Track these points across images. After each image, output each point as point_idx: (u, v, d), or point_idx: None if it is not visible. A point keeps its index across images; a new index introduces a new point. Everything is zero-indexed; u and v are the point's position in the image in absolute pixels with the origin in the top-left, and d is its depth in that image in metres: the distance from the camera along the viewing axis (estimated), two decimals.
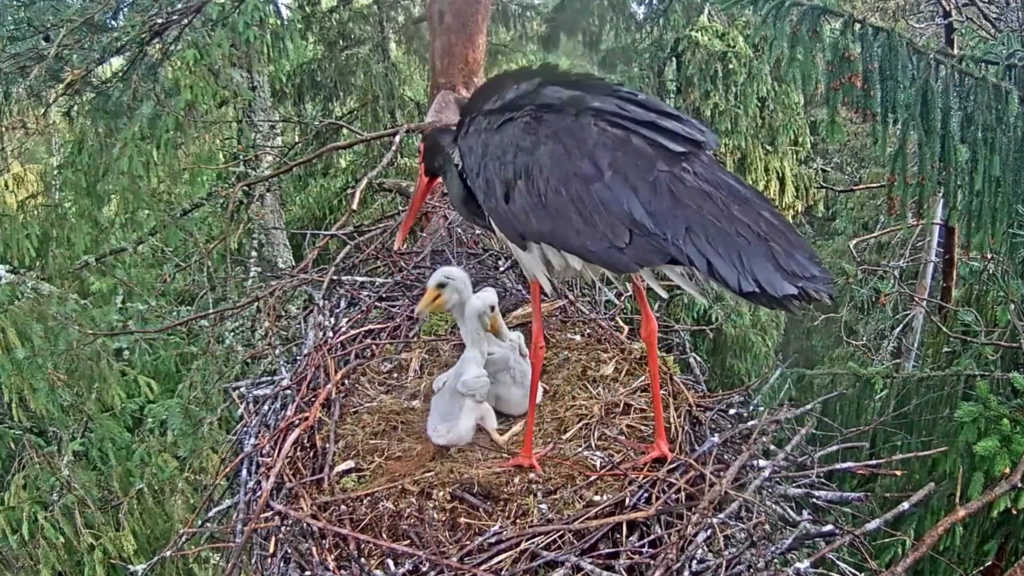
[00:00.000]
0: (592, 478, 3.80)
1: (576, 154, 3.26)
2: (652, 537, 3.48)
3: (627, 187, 3.12)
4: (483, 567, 3.36)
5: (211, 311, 7.84)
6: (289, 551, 3.71)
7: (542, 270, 3.69)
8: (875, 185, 14.96)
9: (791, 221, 13.40)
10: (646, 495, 3.65)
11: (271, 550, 3.80)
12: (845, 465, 4.22)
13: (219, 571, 5.64)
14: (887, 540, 5.52)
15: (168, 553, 4.57)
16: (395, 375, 4.98)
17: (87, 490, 7.78)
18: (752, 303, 3.02)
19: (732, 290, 2.87)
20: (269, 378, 5.38)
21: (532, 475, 3.84)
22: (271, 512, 3.84)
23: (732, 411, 4.49)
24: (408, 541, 3.54)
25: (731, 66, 12.19)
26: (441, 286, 4.45)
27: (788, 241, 2.94)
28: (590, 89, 3.48)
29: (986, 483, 5.67)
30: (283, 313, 6.63)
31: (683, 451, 3.99)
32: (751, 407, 4.61)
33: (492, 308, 4.52)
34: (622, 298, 5.76)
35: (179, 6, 9.30)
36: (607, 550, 3.43)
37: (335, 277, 5.84)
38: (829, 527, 3.60)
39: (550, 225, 3.33)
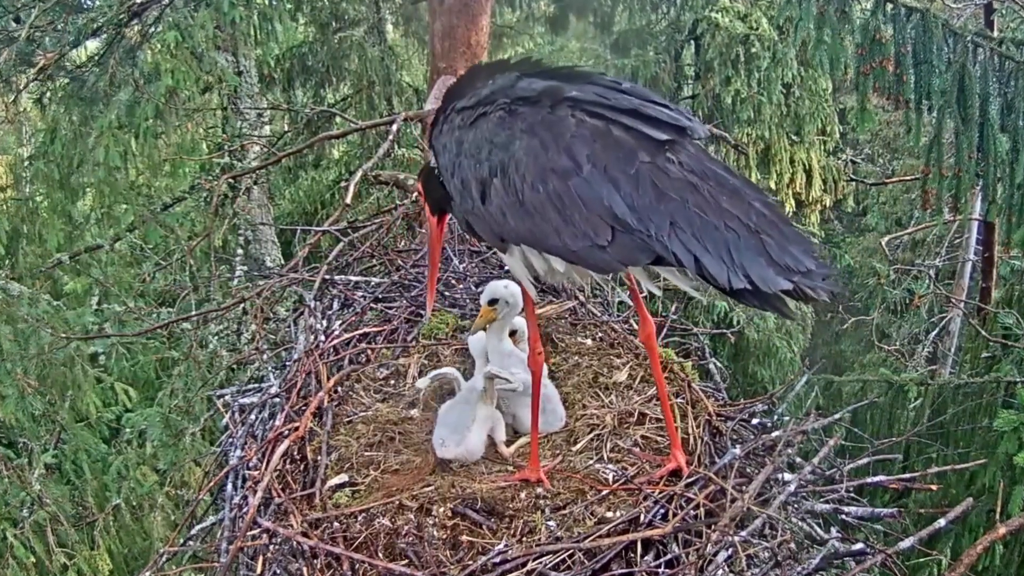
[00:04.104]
0: (604, 493, 3.80)
1: (553, 148, 3.25)
2: (669, 557, 3.48)
3: (607, 181, 3.11)
4: None
5: (194, 313, 7.82)
6: (278, 571, 3.72)
7: (525, 274, 3.69)
8: (909, 178, 14.93)
9: (818, 216, 13.47)
10: (662, 511, 3.65)
11: (259, 570, 3.80)
12: (876, 479, 4.21)
13: None
14: (922, 560, 5.54)
15: (147, 574, 4.56)
16: (392, 382, 4.99)
17: (60, 506, 7.78)
18: (741, 303, 3.00)
19: (721, 288, 2.86)
20: (256, 385, 5.39)
21: (539, 490, 3.84)
22: (259, 529, 3.85)
23: (755, 421, 4.49)
24: (406, 561, 3.54)
25: (754, 50, 12.20)
26: (493, 302, 4.51)
27: (782, 233, 2.94)
28: (567, 79, 3.49)
29: None
30: (271, 315, 6.64)
31: (702, 464, 3.98)
32: (775, 417, 4.60)
33: (514, 333, 4.57)
34: None
35: None
36: (620, 570, 3.43)
37: (327, 276, 5.85)
38: (859, 546, 3.59)
39: (528, 224, 3.33)
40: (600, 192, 3.10)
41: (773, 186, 12.93)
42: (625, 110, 3.23)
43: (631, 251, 3.05)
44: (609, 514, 3.67)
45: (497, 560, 3.44)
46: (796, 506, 3.95)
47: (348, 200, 6.86)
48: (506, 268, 5.96)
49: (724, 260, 2.86)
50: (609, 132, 3.21)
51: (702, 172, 3.09)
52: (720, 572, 3.37)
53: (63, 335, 7.70)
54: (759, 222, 2.95)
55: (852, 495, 4.09)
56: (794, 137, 12.91)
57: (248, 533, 3.84)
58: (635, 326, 5.41)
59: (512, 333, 4.66)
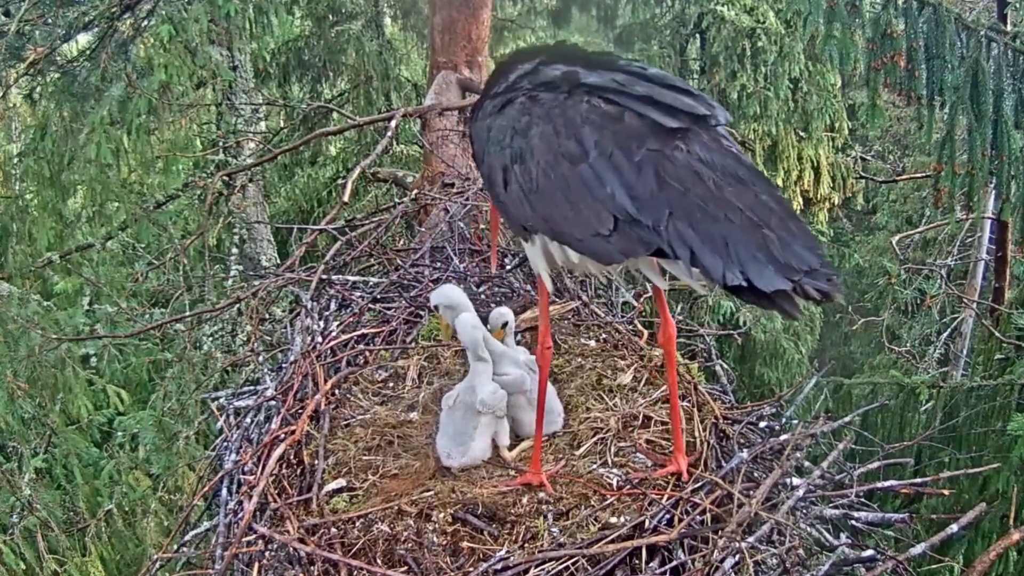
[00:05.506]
0: (609, 498, 3.80)
1: (564, 133, 3.28)
2: (675, 563, 3.48)
3: (611, 168, 3.11)
4: None
5: (188, 314, 7.83)
6: None
7: (544, 265, 3.70)
8: (920, 175, 14.93)
9: (827, 215, 13.47)
10: (668, 517, 3.64)
11: None
12: (887, 484, 4.22)
13: None
14: (934, 566, 5.52)
15: None
16: (391, 384, 4.99)
17: (50, 511, 7.76)
18: (740, 300, 2.96)
19: (717, 282, 2.80)
20: (252, 388, 5.40)
21: (542, 494, 3.84)
22: (254, 535, 3.85)
23: (762, 424, 4.49)
24: (405, 568, 3.54)
25: (760, 44, 12.17)
26: (436, 308, 4.53)
27: (786, 228, 2.87)
28: (591, 64, 3.51)
29: None
30: (267, 316, 6.63)
31: (709, 468, 3.98)
32: (783, 420, 4.60)
33: (504, 325, 4.54)
34: (641, 300, 5.76)
35: None
36: None
37: (324, 276, 5.85)
38: (870, 552, 3.60)
39: (542, 212, 3.35)
40: (604, 179, 3.10)
41: (780, 183, 12.90)
42: (639, 97, 3.23)
43: (632, 242, 3.02)
44: (613, 519, 3.67)
45: (499, 567, 3.44)
46: (805, 511, 3.95)
47: (346, 198, 6.87)
48: (508, 268, 6.00)
49: (720, 254, 2.80)
50: (621, 119, 3.21)
51: (710, 162, 3.05)
52: None
53: (53, 336, 7.68)
54: (764, 216, 2.89)
55: (862, 500, 4.09)
56: (802, 133, 12.89)
57: (243, 539, 3.84)
58: (639, 327, 5.42)
59: (503, 326, 4.60)
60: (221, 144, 11.50)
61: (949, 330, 14.25)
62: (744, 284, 2.74)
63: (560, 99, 3.39)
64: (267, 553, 3.81)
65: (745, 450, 4.08)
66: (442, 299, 4.46)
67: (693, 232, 2.88)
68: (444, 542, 3.64)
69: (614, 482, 3.92)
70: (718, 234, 2.85)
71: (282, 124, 13.77)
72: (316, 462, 4.22)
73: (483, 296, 5.67)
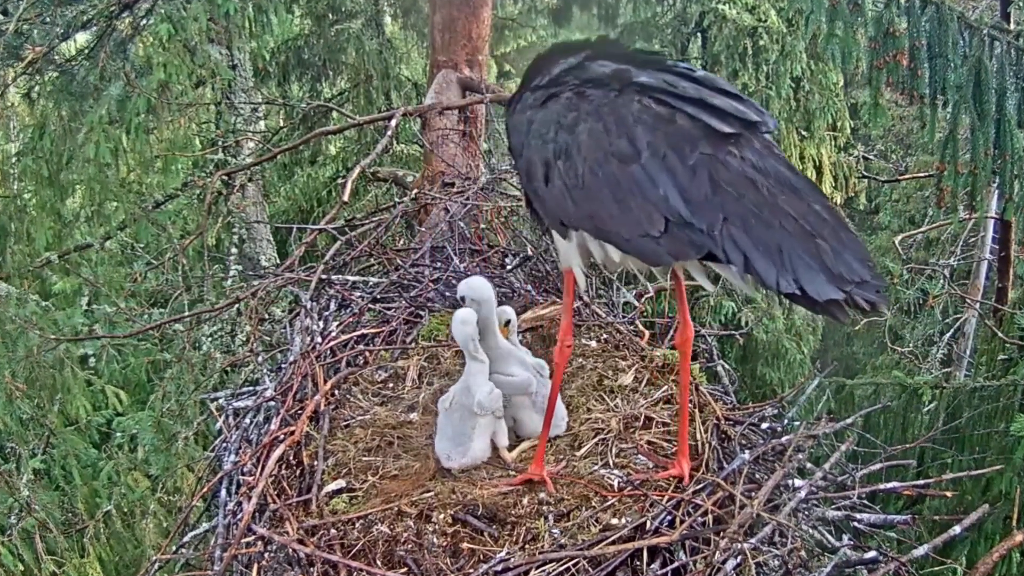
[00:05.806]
0: (610, 500, 3.79)
1: (615, 132, 3.28)
2: (676, 565, 3.48)
3: (664, 170, 3.12)
4: None
5: (187, 314, 7.82)
6: None
7: (579, 262, 3.71)
8: (923, 175, 14.91)
9: None
10: (669, 518, 3.64)
11: None
12: (890, 485, 4.21)
13: None
14: (936, 568, 5.51)
15: None
16: (391, 385, 4.99)
17: (49, 512, 7.75)
18: (793, 303, 2.98)
19: (770, 289, 2.84)
20: (251, 388, 5.40)
21: (543, 495, 3.84)
22: (253, 536, 3.85)
23: (764, 425, 4.49)
24: (405, 569, 3.55)
25: (762, 42, 12.17)
26: (463, 300, 4.47)
27: (839, 239, 2.91)
28: (640, 63, 3.50)
29: None
30: (266, 316, 6.63)
31: (710, 469, 3.98)
32: (785, 421, 4.61)
33: (507, 323, 4.52)
34: (642, 300, 5.75)
35: None
36: None
37: (324, 276, 5.85)
38: (872, 554, 3.60)
39: (587, 209, 3.36)
40: (656, 181, 3.11)
41: None
42: (691, 99, 3.24)
43: (682, 244, 3.04)
44: (614, 521, 3.66)
45: (499, 568, 3.44)
46: (807, 513, 3.95)
47: (345, 197, 6.87)
48: (509, 268, 5.99)
49: (775, 261, 2.85)
50: (673, 120, 3.21)
51: (763, 168, 3.07)
52: None
53: (52, 336, 7.68)
54: (816, 225, 2.92)
55: (864, 502, 4.09)
56: (804, 132, 12.87)
57: (242, 540, 3.84)
58: (641, 327, 5.41)
59: (506, 324, 4.59)
60: (220, 143, 11.49)
61: (952, 330, 14.23)
62: (798, 292, 2.78)
63: (611, 97, 3.38)
64: (266, 554, 3.81)
65: (747, 451, 4.08)
66: (469, 291, 4.40)
67: (747, 238, 2.91)
68: (444, 543, 3.64)
69: (615, 483, 3.91)
70: (772, 241, 2.89)
71: (282, 123, 13.73)
72: (316, 463, 4.22)
73: None
